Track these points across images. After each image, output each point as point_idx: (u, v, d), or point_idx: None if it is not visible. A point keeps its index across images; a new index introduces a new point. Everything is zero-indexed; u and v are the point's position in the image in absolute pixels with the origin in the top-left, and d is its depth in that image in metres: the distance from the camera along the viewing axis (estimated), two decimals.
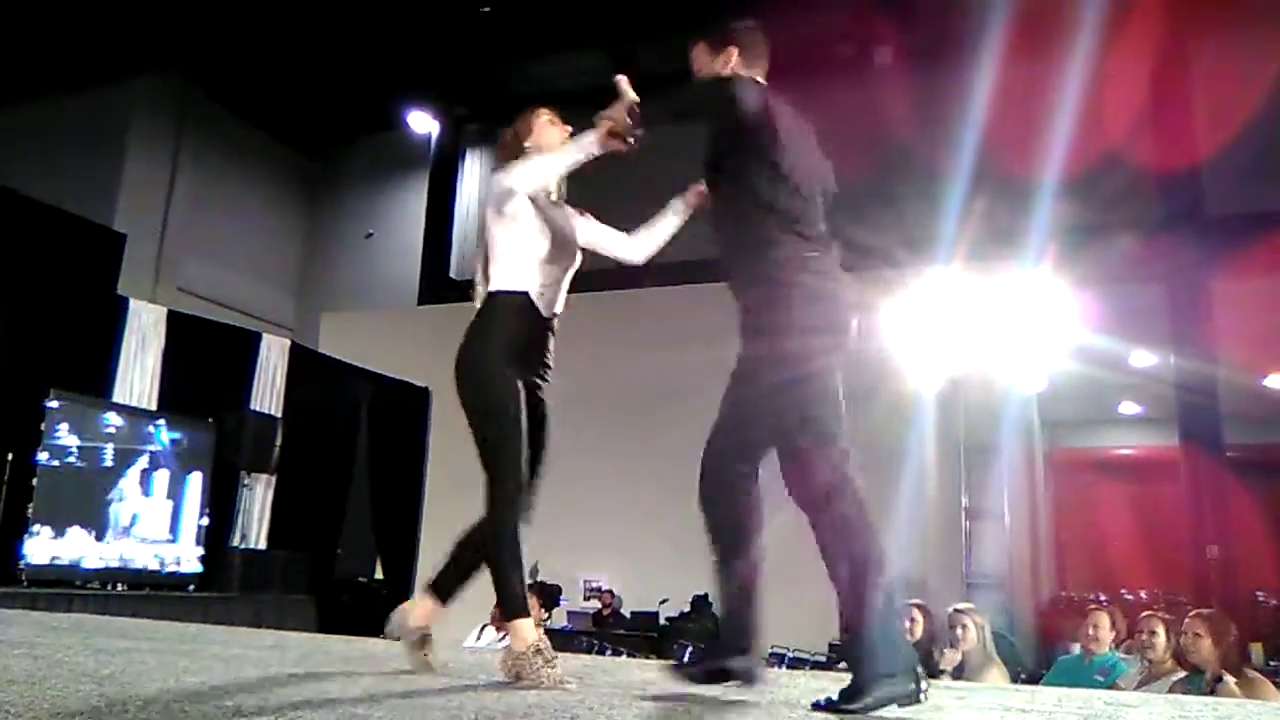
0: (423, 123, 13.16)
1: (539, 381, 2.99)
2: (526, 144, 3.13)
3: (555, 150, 2.99)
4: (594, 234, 3.22)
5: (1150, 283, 10.14)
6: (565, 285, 3.06)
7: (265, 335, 10.75)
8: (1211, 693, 4.10)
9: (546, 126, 3.16)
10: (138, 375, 9.33)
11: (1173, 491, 10.49)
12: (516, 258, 2.94)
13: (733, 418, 2.66)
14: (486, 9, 10.13)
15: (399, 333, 12.58)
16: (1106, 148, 9.18)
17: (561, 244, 3.02)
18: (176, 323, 9.63)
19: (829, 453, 2.47)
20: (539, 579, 9.88)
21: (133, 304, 9.46)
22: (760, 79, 2.82)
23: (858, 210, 9.83)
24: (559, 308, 3.04)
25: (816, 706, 2.33)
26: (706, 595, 11.34)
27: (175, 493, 8.99)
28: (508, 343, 2.87)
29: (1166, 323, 10.02)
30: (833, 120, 10.60)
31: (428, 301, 13.30)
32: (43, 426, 7.94)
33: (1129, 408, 13.92)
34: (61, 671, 2.39)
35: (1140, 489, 13.27)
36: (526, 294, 2.92)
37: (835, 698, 2.30)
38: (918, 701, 2.33)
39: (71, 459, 8.18)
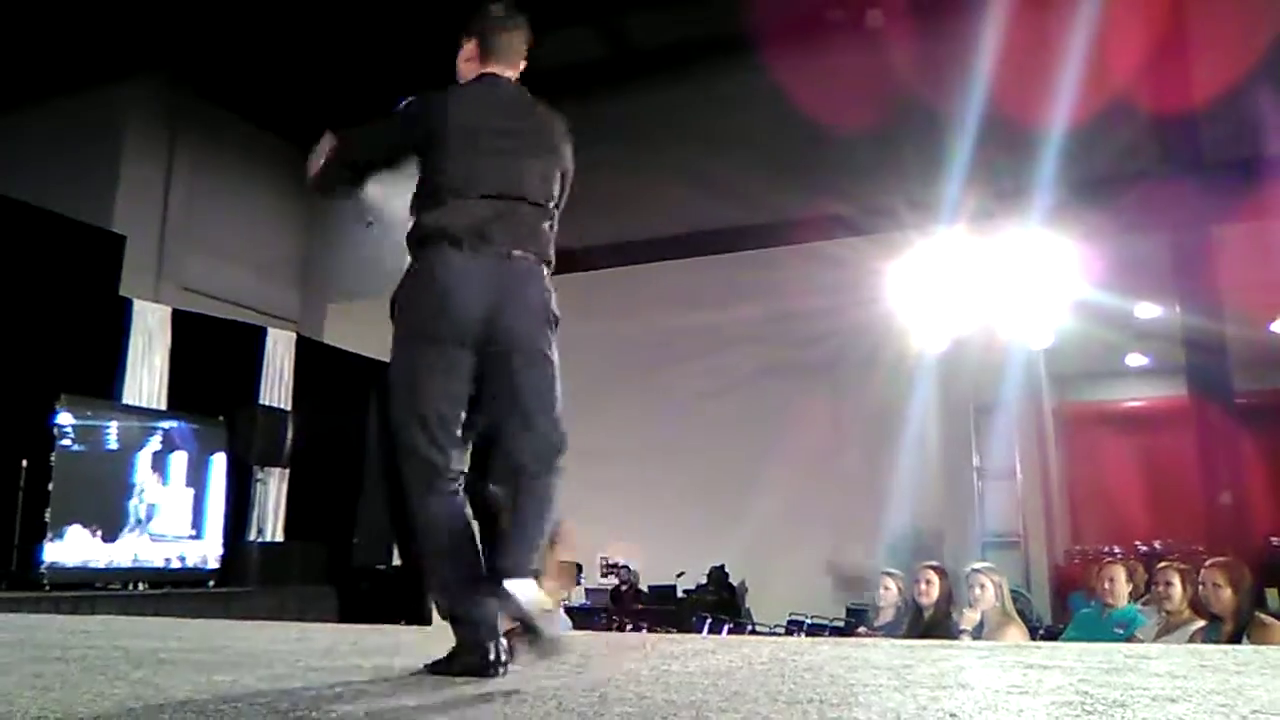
0: None
1: None
2: None
3: None
4: None
5: (1153, 233, 10.11)
6: None
7: (271, 329, 10.76)
8: (1234, 639, 4.12)
9: None
10: (146, 375, 9.36)
11: (1183, 441, 10.50)
12: None
13: None
14: None
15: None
16: (1106, 99, 9.13)
17: None
18: (181, 321, 9.65)
19: None
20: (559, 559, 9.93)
21: (137, 305, 9.47)
22: (493, 70, 2.81)
23: (863, 171, 9.85)
24: None
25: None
26: (723, 566, 11.43)
27: (190, 490, 9.03)
28: None
29: (1171, 273, 9.99)
30: (836, 80, 10.58)
31: None
32: (55, 431, 7.98)
33: (1136, 360, 13.91)
34: (94, 675, 2.42)
35: (1150, 440, 13.28)
36: None
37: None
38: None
39: (85, 462, 8.21)
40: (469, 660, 2.40)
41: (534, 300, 2.57)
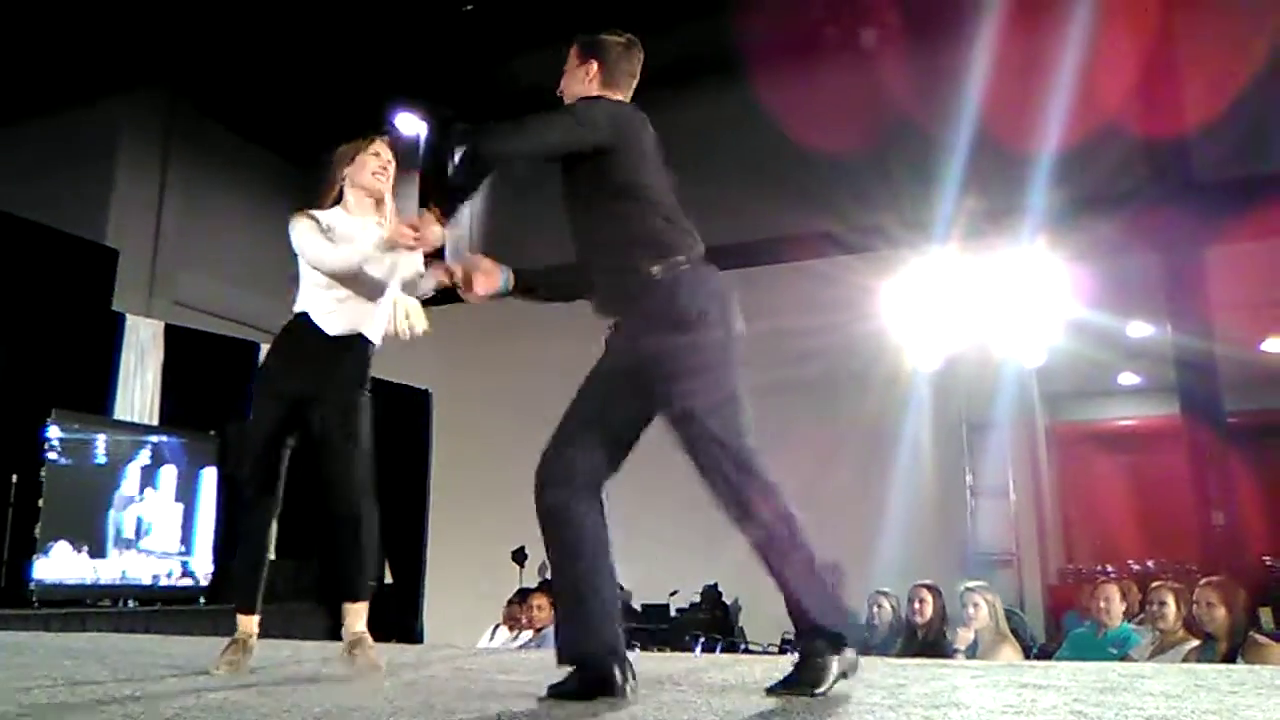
0: (410, 125, 13.15)
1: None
2: (343, 172, 3.37)
3: (345, 236, 3.28)
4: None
5: (1145, 253, 10.16)
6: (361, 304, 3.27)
7: (263, 345, 10.72)
8: (1228, 659, 4.12)
9: (369, 159, 3.35)
10: (138, 391, 9.33)
11: (1175, 460, 10.51)
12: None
13: None
14: (469, 7, 10.11)
15: (396, 337, 12.55)
16: (1097, 119, 9.18)
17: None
18: (174, 336, 9.62)
19: None
20: (548, 577, 9.90)
21: (129, 320, 9.45)
22: (621, 97, 2.75)
23: (855, 189, 9.88)
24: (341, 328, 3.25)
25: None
26: (716, 585, 11.38)
27: (181, 506, 8.99)
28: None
29: (1162, 292, 10.03)
30: (828, 99, 10.63)
31: (423, 304, 13.27)
32: (46, 447, 7.94)
33: (1128, 379, 13.95)
34: (84, 695, 2.40)
35: (1143, 459, 13.30)
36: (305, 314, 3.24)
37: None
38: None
39: (76, 478, 8.18)
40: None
41: None
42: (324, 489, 3.17)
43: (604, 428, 2.56)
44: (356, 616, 3.18)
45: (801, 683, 2.34)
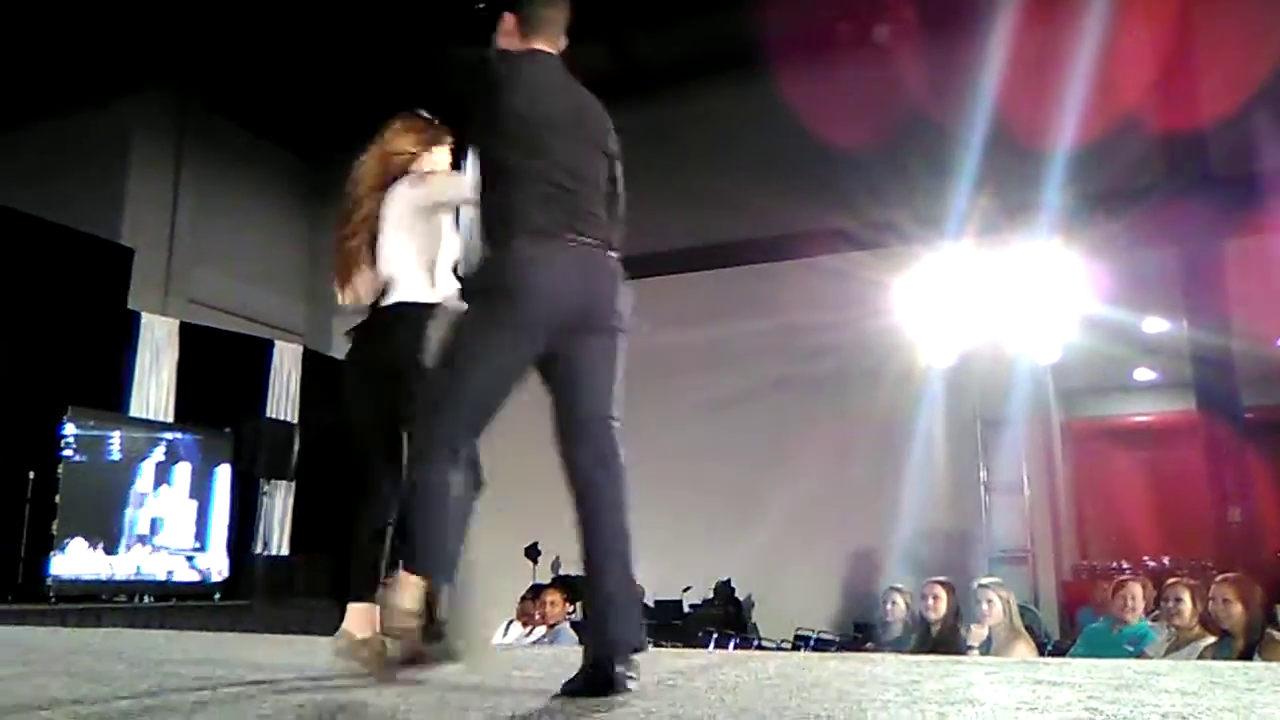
0: None
1: None
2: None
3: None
4: None
5: (1161, 248, 10.09)
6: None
7: (277, 342, 10.78)
8: (1245, 656, 4.09)
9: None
10: (153, 388, 9.39)
11: (1191, 456, 10.44)
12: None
13: None
14: (481, 6, 10.12)
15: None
16: (1114, 114, 9.12)
17: None
18: (189, 334, 9.68)
19: None
20: (561, 572, 9.91)
21: (144, 318, 9.50)
22: (541, 46, 2.70)
23: (870, 185, 9.85)
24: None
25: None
26: (729, 581, 11.38)
27: (196, 503, 9.04)
28: None
29: (1179, 287, 9.96)
30: (843, 94, 10.57)
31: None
32: (62, 444, 8.00)
33: (1144, 374, 13.86)
34: (100, 688, 2.42)
35: (1158, 455, 13.22)
36: None
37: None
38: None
39: (92, 475, 8.23)
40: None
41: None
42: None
43: None
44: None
45: None
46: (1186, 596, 4.66)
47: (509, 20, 2.74)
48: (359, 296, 3.22)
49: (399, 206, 3.14)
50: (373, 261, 3.16)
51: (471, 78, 2.63)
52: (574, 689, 2.30)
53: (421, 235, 3.10)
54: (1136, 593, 5.17)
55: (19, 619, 6.72)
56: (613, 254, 2.58)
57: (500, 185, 2.52)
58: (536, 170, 2.49)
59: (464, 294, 2.64)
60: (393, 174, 3.24)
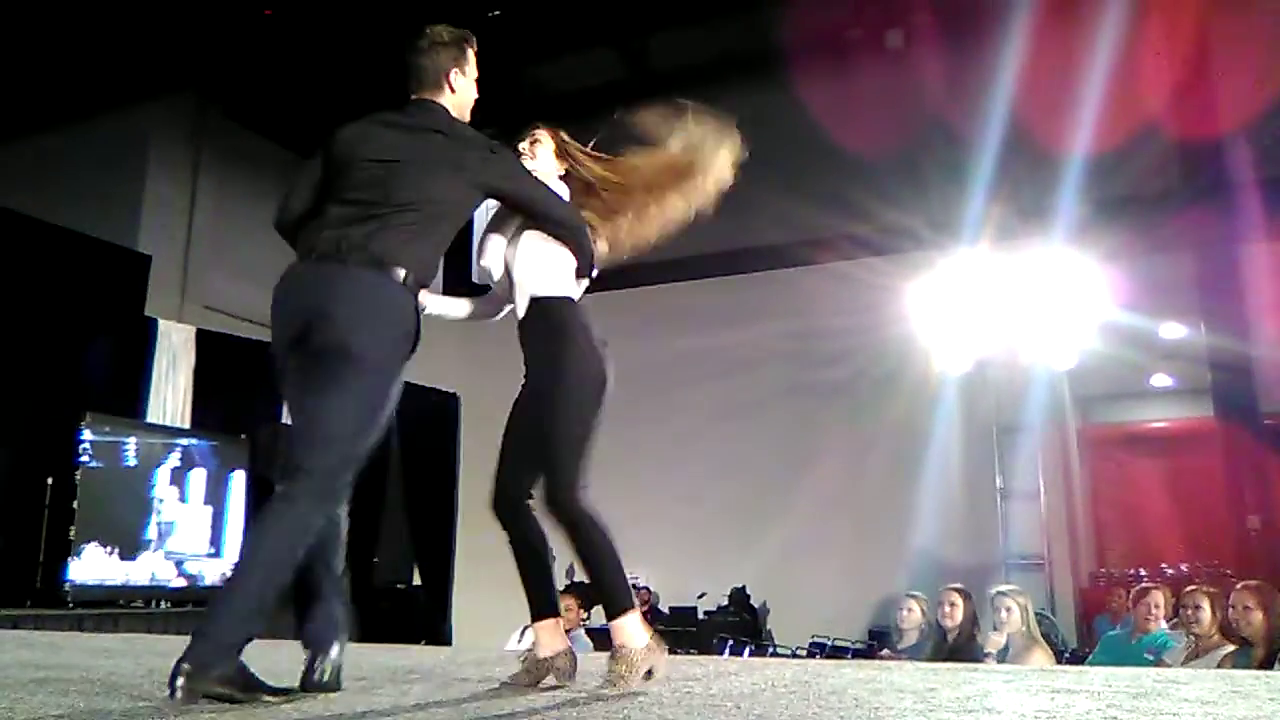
0: None
1: None
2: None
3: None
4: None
5: (1178, 253, 10.04)
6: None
7: None
8: (1265, 665, 4.06)
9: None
10: (170, 394, 9.43)
11: (1209, 463, 10.38)
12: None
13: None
14: (495, 12, 10.15)
15: (426, 339, 12.62)
16: (1132, 120, 9.09)
17: None
18: (205, 341, 9.72)
19: None
20: (575, 579, 9.91)
21: (161, 324, 9.55)
22: (424, 96, 2.91)
23: (885, 191, 9.84)
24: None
25: None
26: (744, 588, 11.36)
27: (213, 509, 9.07)
28: None
29: (1196, 293, 9.91)
30: (859, 99, 10.54)
31: None
32: (80, 450, 8.04)
33: (1161, 380, 13.78)
34: (119, 694, 2.43)
35: (1176, 461, 13.13)
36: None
37: None
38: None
39: (109, 480, 8.27)
40: None
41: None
42: None
43: None
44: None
45: None
46: (1206, 604, 4.63)
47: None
48: None
49: None
50: None
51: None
52: None
53: None
54: (1159, 601, 5.14)
55: (37, 624, 6.75)
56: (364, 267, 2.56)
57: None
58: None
59: None
60: None
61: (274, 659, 3.47)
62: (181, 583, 8.73)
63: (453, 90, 2.84)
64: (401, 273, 2.52)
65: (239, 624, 2.28)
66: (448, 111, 2.81)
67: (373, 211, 2.58)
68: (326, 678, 2.46)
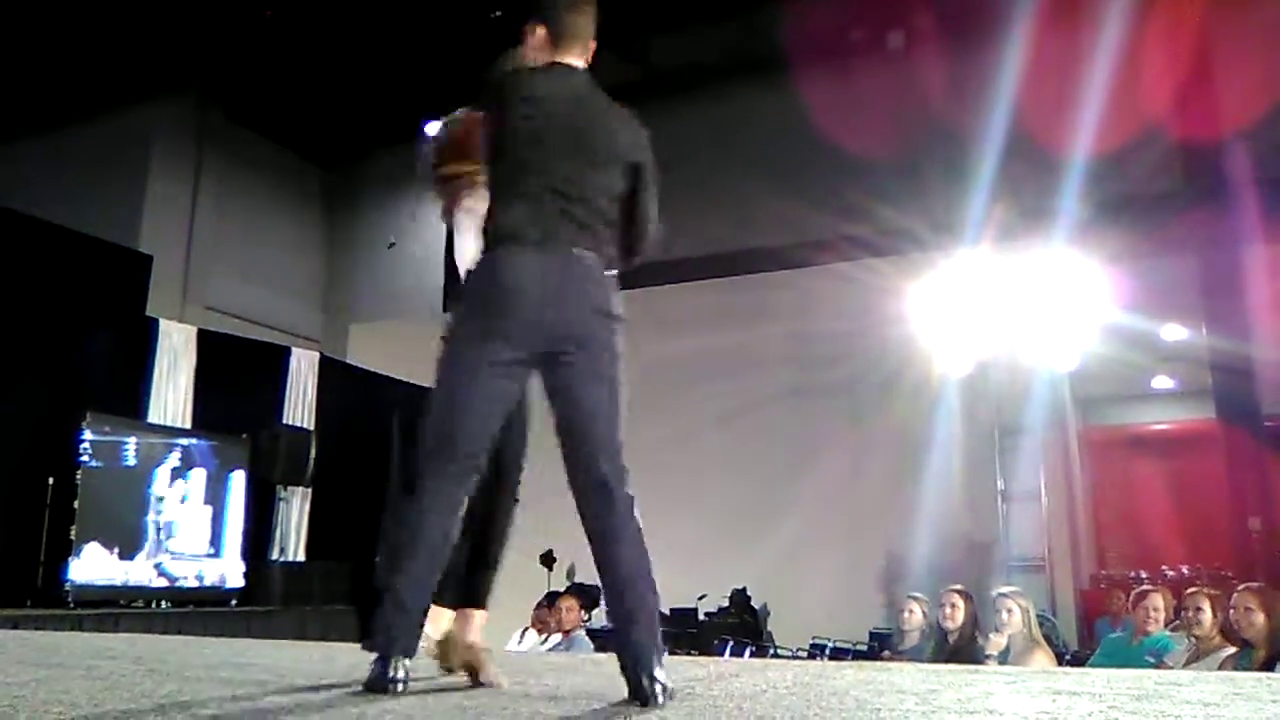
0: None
1: None
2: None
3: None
4: None
5: (1179, 255, 10.04)
6: None
7: (294, 349, 10.82)
8: (1267, 667, 4.06)
9: None
10: (171, 395, 9.43)
11: (1211, 465, 10.37)
12: None
13: None
14: (498, 13, 10.15)
15: (427, 341, 12.62)
16: (1133, 121, 9.09)
17: None
18: (206, 341, 9.72)
19: None
20: (576, 580, 9.91)
21: (163, 324, 9.56)
22: (568, 60, 2.67)
23: (886, 192, 9.84)
24: None
25: None
26: (745, 589, 11.36)
27: (213, 509, 9.08)
28: None
29: (1198, 295, 9.90)
30: (860, 100, 10.53)
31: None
32: (81, 450, 8.04)
33: (1162, 382, 13.79)
34: (120, 693, 2.42)
35: (1177, 463, 13.14)
36: None
37: None
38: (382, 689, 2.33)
39: (110, 480, 8.27)
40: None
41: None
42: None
43: None
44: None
45: None
46: (1207, 606, 4.62)
47: (539, 33, 2.69)
48: None
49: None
50: None
51: (485, 94, 2.64)
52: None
53: None
54: (1159, 604, 5.13)
55: (38, 624, 6.76)
56: (599, 264, 2.52)
57: (493, 198, 2.58)
58: (524, 183, 2.51)
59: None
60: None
61: (277, 658, 3.47)
62: (182, 583, 8.73)
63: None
64: None
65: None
66: None
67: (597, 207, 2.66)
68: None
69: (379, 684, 2.35)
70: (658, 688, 2.29)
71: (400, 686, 2.35)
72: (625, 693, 2.35)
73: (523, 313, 2.43)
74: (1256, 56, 9.21)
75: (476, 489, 2.56)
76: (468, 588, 3.00)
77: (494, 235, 2.51)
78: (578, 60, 2.68)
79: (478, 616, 3.02)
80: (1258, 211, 9.21)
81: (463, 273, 2.89)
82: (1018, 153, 9.58)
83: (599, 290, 2.50)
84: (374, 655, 2.38)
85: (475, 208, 2.96)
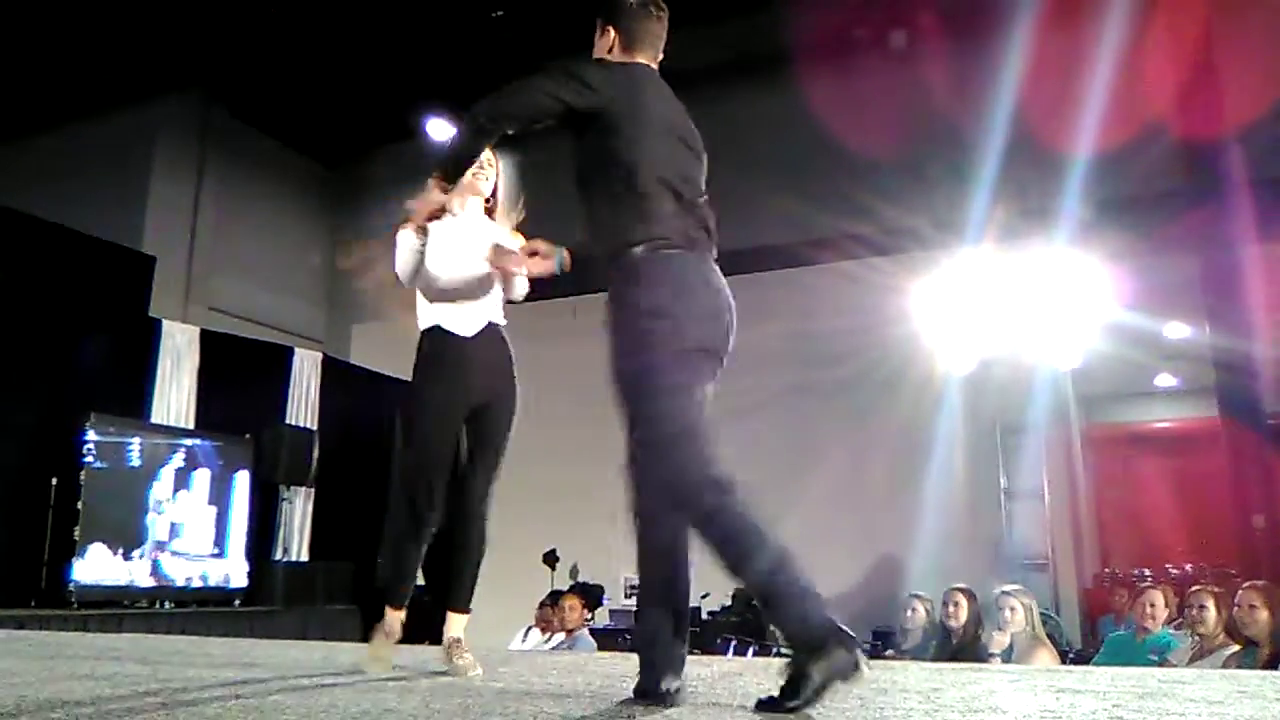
0: (441, 130, 13.21)
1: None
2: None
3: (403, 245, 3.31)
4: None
5: (1183, 253, 10.02)
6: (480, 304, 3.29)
7: (297, 349, 10.83)
8: (1270, 664, 4.05)
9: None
10: (174, 395, 9.44)
11: (1214, 463, 10.36)
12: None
13: None
14: (499, 12, 10.16)
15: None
16: (1136, 119, 9.07)
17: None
18: (209, 341, 9.73)
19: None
20: (580, 579, 9.92)
21: (165, 325, 9.56)
22: (644, 61, 2.62)
23: (889, 190, 9.83)
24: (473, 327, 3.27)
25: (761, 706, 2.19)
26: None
27: (216, 509, 9.09)
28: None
29: (1200, 293, 9.89)
30: (863, 99, 10.51)
31: None
32: (84, 450, 8.05)
33: (1165, 380, 13.77)
34: (124, 693, 2.43)
35: (1180, 461, 13.12)
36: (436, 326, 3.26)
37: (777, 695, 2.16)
38: (856, 670, 2.08)
39: (114, 481, 8.28)
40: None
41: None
42: (463, 494, 3.21)
43: None
44: (460, 624, 3.32)
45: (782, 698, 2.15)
46: (1211, 604, 4.62)
47: (610, 35, 2.64)
48: None
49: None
50: None
51: (606, 83, 2.48)
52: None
53: None
54: (1156, 600, 5.13)
55: (41, 624, 6.77)
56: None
57: (632, 189, 2.44)
58: (669, 177, 2.47)
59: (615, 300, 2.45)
60: None
61: (281, 658, 3.48)
62: (185, 583, 8.74)
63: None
64: None
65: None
66: None
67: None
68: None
69: None
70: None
71: None
72: (629, 691, 2.35)
73: (727, 325, 2.45)
74: (1259, 55, 9.19)
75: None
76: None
77: (658, 237, 2.40)
78: (651, 64, 2.65)
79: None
80: (1261, 210, 9.21)
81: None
82: (1020, 151, 9.56)
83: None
84: None
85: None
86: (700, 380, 2.41)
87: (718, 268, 2.51)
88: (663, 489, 2.36)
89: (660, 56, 2.68)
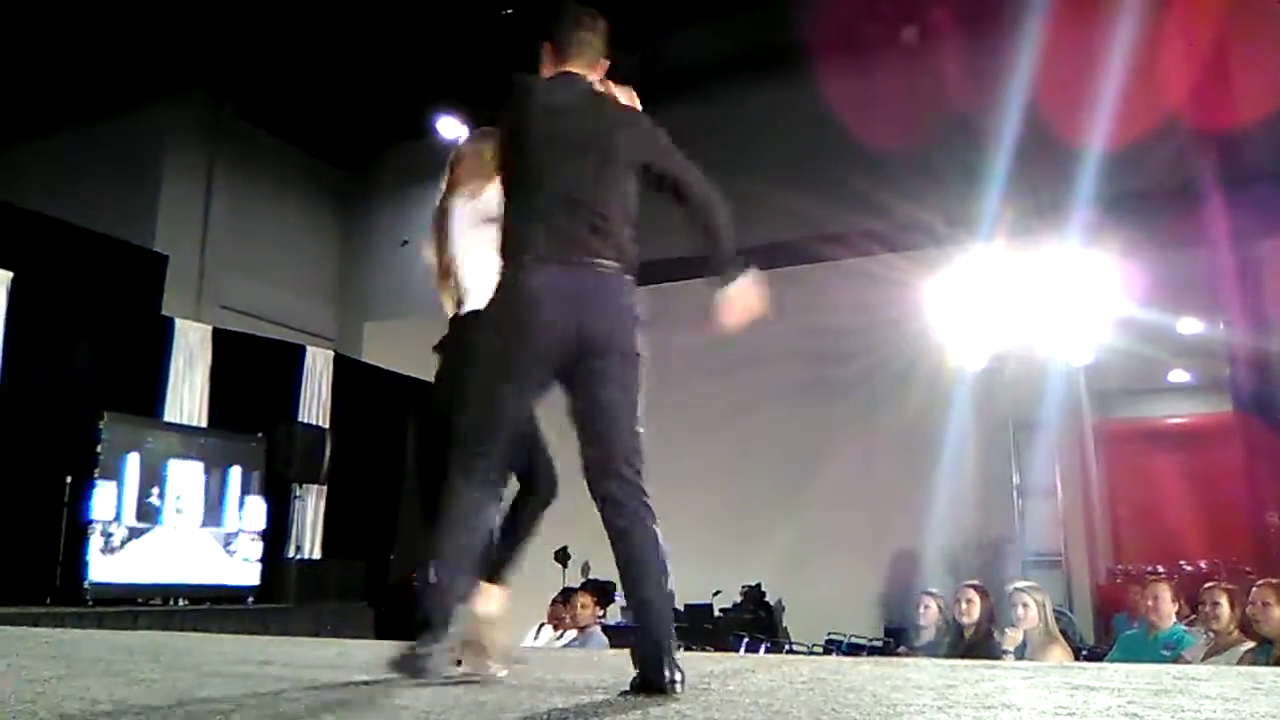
0: (452, 128, 13.22)
1: None
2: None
3: None
4: None
5: (1195, 248, 9.98)
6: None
7: (309, 347, 10.86)
8: None
9: None
10: (187, 394, 9.48)
11: (1228, 458, 10.32)
12: None
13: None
14: (509, 10, 10.16)
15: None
16: (1149, 114, 9.02)
17: None
18: (222, 340, 9.77)
19: None
20: (591, 576, 9.93)
21: (178, 324, 9.60)
22: (574, 69, 2.71)
23: (901, 186, 9.81)
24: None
25: None
26: (759, 585, 11.35)
27: (230, 508, 9.11)
28: None
29: (1214, 288, 9.85)
30: (875, 94, 10.48)
31: None
32: (98, 449, 8.09)
33: (1178, 376, 13.72)
34: (140, 690, 2.44)
35: (1194, 457, 13.06)
36: None
37: None
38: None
39: (127, 479, 8.32)
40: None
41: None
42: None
43: None
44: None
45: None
46: (1224, 601, 4.60)
47: (546, 48, 2.77)
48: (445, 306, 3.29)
49: (463, 219, 3.20)
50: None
51: (505, 103, 2.68)
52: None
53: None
54: (1163, 592, 5.11)
55: (57, 622, 6.80)
56: (619, 273, 2.56)
57: (508, 208, 2.63)
58: (535, 194, 2.55)
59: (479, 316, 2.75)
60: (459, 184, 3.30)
61: (294, 655, 3.49)
62: (199, 581, 8.78)
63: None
64: None
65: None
66: None
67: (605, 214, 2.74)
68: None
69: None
70: (676, 675, 2.34)
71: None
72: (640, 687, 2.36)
73: (547, 328, 2.46)
74: (1274, 48, 9.14)
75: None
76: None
77: (512, 247, 2.56)
78: (584, 72, 2.72)
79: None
80: (1274, 205, 9.15)
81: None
82: (1034, 147, 9.52)
83: (618, 297, 2.53)
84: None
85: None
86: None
87: (574, 269, 2.52)
88: None
89: (599, 61, 2.76)
